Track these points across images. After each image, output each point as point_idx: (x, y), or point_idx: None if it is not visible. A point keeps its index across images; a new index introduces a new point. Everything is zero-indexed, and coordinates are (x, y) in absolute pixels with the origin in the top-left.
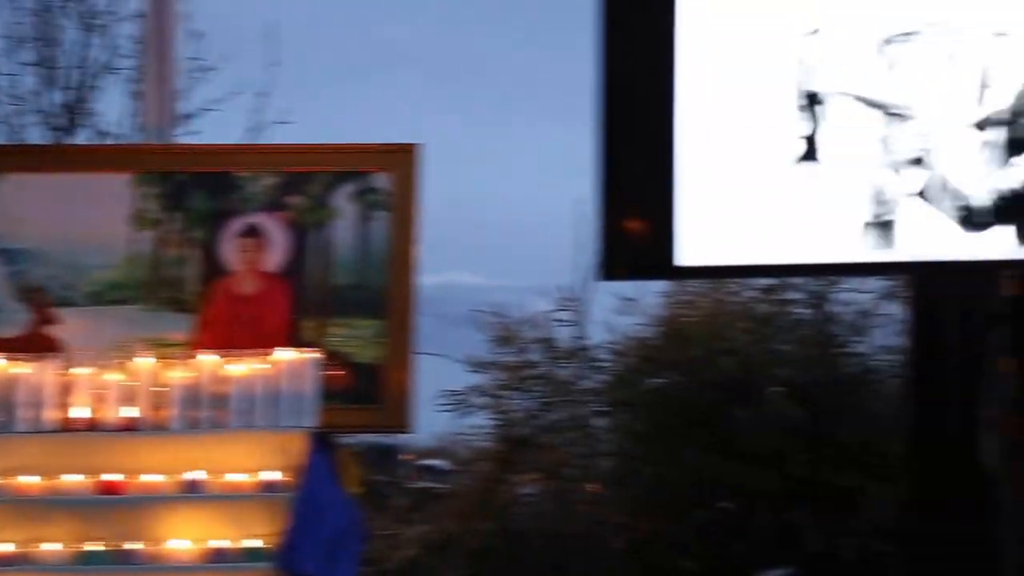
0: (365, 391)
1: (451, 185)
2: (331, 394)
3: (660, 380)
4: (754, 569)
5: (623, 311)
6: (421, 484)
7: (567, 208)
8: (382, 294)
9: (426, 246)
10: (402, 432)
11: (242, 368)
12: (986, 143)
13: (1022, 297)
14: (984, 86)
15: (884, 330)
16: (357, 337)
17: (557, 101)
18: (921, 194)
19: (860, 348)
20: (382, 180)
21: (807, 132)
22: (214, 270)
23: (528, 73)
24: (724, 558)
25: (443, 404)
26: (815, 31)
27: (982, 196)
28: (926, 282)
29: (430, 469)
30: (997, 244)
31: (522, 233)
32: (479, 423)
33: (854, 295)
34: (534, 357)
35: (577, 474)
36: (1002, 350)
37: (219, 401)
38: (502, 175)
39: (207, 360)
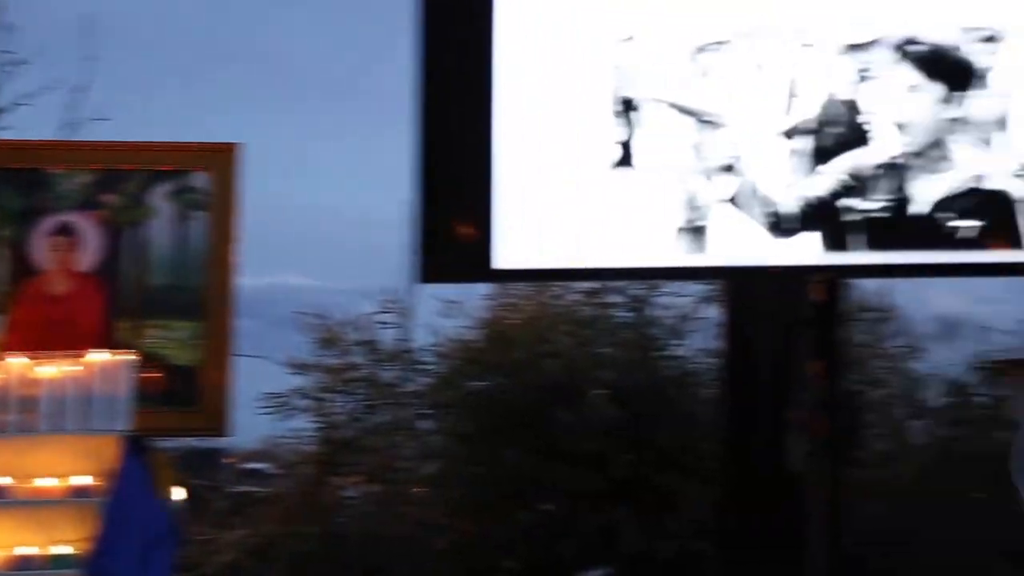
0: (182, 394)
1: (278, 186)
2: (146, 397)
3: (483, 382)
4: (575, 569)
5: (447, 313)
6: (242, 488)
7: (394, 210)
8: (200, 295)
9: (250, 247)
10: (219, 435)
11: (53, 370)
12: (793, 151)
13: (827, 302)
14: (791, 95)
15: (702, 334)
16: (174, 339)
17: (386, 103)
18: (732, 200)
19: (679, 351)
20: (200, 179)
21: (623, 138)
22: (24, 270)
23: (357, 75)
24: (547, 558)
25: (265, 407)
26: (630, 38)
27: (790, 203)
28: (738, 287)
29: (253, 473)
30: (804, 250)
31: (350, 235)
32: (302, 426)
33: (674, 299)
34: (357, 359)
35: (401, 476)
36: (809, 354)
37: (28, 404)
38: (331, 176)
39: (16, 362)
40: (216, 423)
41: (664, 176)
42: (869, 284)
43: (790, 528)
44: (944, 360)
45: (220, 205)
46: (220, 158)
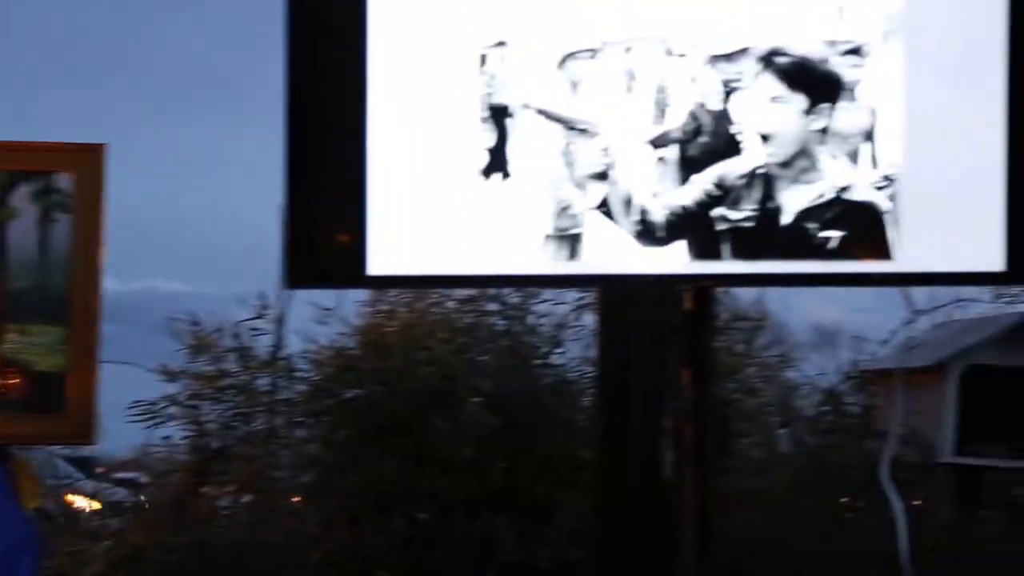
0: (45, 400)
1: (149, 188)
2: (7, 403)
3: (358, 390)
4: None
5: (321, 320)
6: (113, 497)
7: (270, 214)
8: (64, 299)
9: (120, 251)
10: (86, 443)
11: None
12: (663, 160)
13: (697, 311)
14: (661, 105)
15: (579, 342)
16: (36, 344)
17: (264, 105)
18: (605, 209)
19: (557, 359)
20: (65, 181)
21: (495, 144)
22: None
23: (230, 75)
24: (423, 568)
25: (135, 415)
26: (501, 43)
27: (660, 212)
28: (611, 295)
29: (123, 482)
30: (675, 259)
31: (224, 239)
32: (173, 434)
33: (552, 307)
34: (230, 366)
35: (275, 486)
36: (680, 362)
37: None
38: (204, 178)
39: None
40: (82, 431)
41: (537, 183)
42: (745, 293)
43: (664, 536)
44: (818, 369)
45: (85, 207)
46: (86, 159)
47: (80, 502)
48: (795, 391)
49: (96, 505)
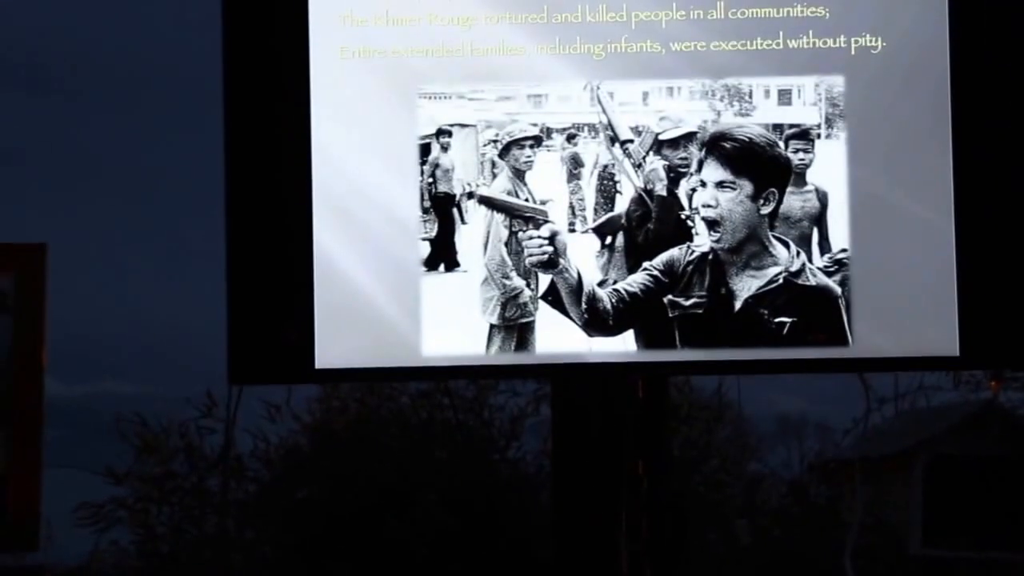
0: None
1: (90, 288)
2: None
3: (308, 489)
4: None
5: (271, 417)
6: None
7: (217, 310)
8: (5, 401)
9: (69, 352)
10: (28, 550)
11: None
12: (609, 247)
13: (650, 400)
14: (604, 191)
15: (536, 434)
16: None
17: (198, 196)
18: (554, 298)
19: (514, 453)
20: (4, 281)
21: (439, 235)
22: None
23: (173, 169)
24: None
25: (81, 519)
26: (443, 132)
27: (609, 300)
28: (562, 385)
29: None
30: (625, 347)
31: (169, 338)
32: (122, 538)
33: (507, 399)
34: (178, 468)
35: None
36: (634, 453)
37: None
38: (147, 276)
39: None
40: (23, 537)
41: (484, 273)
42: (707, 383)
43: None
44: (781, 461)
45: (26, 308)
46: (25, 258)
47: None
48: (758, 482)
49: None
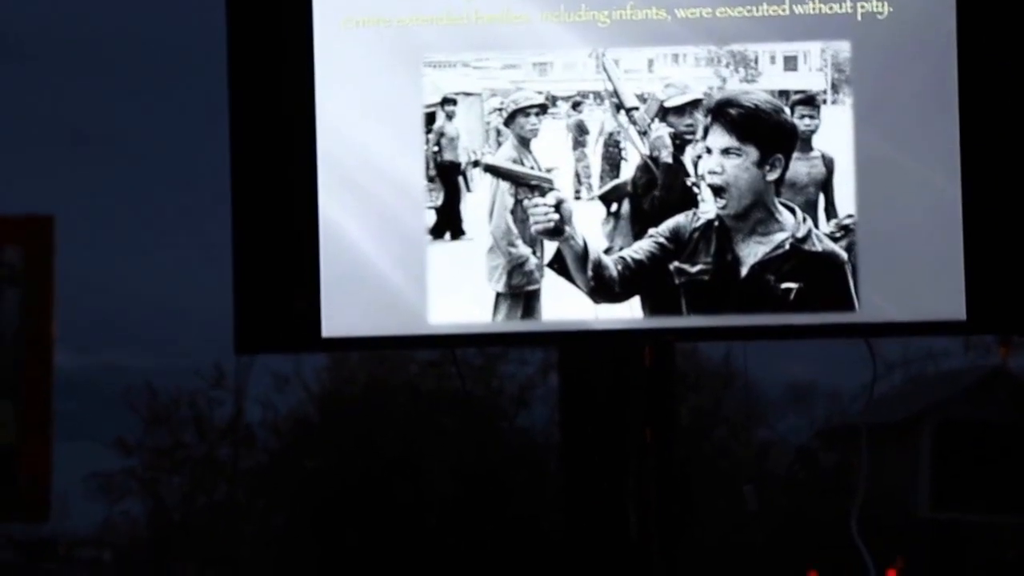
0: None
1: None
2: None
3: (318, 458)
4: None
5: (280, 388)
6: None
7: (226, 280)
8: (14, 375)
9: (80, 324)
10: (40, 521)
11: None
12: (615, 214)
13: (657, 367)
14: (610, 159)
15: (545, 402)
16: None
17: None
18: (560, 265)
19: (523, 421)
20: (12, 253)
21: (445, 203)
22: None
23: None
24: None
25: (93, 490)
26: (448, 100)
27: (615, 267)
28: (570, 353)
29: (84, 560)
30: (632, 314)
31: (182, 310)
32: (133, 508)
33: (516, 368)
34: (188, 438)
35: (236, 556)
36: (642, 421)
37: None
38: (156, 249)
39: None
40: (35, 508)
41: (490, 241)
42: (715, 350)
43: None
44: (790, 427)
45: (35, 281)
46: (34, 231)
47: None
48: (766, 448)
49: None
